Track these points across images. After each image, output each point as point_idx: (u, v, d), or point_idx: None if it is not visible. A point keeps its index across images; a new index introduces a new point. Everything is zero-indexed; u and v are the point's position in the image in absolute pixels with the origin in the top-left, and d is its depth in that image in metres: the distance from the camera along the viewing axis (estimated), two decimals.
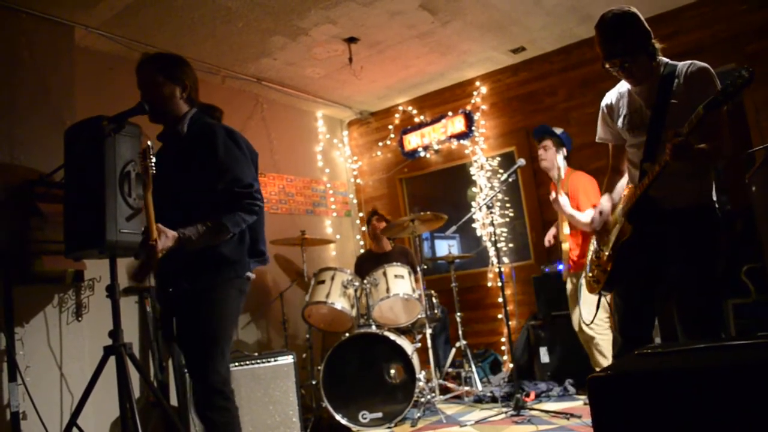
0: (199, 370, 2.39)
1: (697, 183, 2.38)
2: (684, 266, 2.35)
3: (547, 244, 4.54)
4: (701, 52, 4.49)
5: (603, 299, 2.76)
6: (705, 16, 4.78)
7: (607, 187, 2.70)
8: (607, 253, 2.57)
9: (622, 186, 2.66)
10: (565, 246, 4.16)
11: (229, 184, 2.38)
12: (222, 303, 2.43)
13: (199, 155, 2.43)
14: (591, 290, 2.72)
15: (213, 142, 2.41)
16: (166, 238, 2.25)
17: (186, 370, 2.57)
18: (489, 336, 5.74)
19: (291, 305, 5.23)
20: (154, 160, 2.28)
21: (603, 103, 2.64)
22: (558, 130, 4.36)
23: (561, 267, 4.35)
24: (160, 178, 2.35)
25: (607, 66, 2.37)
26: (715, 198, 2.40)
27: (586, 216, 3.83)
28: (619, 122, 2.53)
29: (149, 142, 2.26)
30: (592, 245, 2.77)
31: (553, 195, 4.06)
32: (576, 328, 4.20)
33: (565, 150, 4.30)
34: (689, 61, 2.37)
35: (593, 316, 3.42)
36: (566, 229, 4.16)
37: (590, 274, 2.72)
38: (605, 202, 2.62)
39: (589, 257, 2.77)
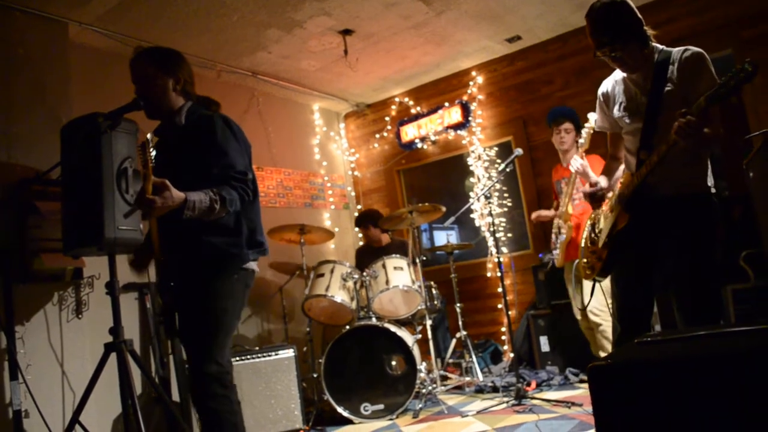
0: (197, 359, 2.39)
1: (693, 169, 2.38)
2: (682, 253, 2.35)
3: (533, 217, 4.50)
4: (696, 38, 4.47)
5: (606, 283, 2.74)
6: (700, 2, 4.75)
7: (605, 173, 2.70)
8: (602, 241, 2.58)
9: (621, 172, 2.66)
10: (569, 223, 4.11)
11: (224, 168, 2.37)
12: (226, 295, 2.43)
13: (197, 144, 2.42)
14: (585, 277, 2.73)
15: (211, 129, 2.42)
16: (171, 197, 2.17)
17: (187, 365, 2.56)
18: (489, 326, 5.76)
19: (291, 299, 5.24)
20: (153, 153, 2.26)
21: (599, 92, 2.64)
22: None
23: (555, 253, 4.29)
24: (159, 171, 2.34)
25: (598, 54, 2.38)
26: (711, 184, 2.40)
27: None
28: (615, 110, 2.53)
29: (148, 135, 2.23)
30: (585, 232, 2.77)
31: (576, 161, 3.76)
32: (578, 316, 4.20)
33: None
34: (683, 47, 2.37)
35: (587, 302, 3.44)
36: (571, 209, 4.11)
37: (584, 260, 2.72)
38: (603, 181, 2.63)
39: (583, 243, 2.77)
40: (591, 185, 2.63)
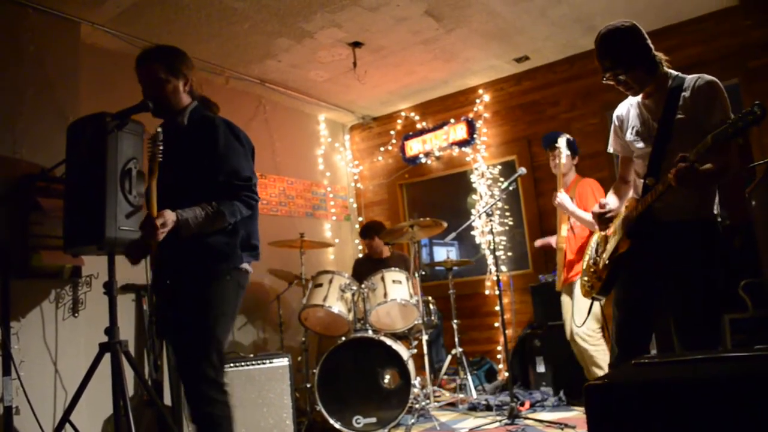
0: (193, 361, 2.36)
1: (699, 196, 2.37)
2: (682, 280, 2.34)
3: (537, 244, 4.50)
4: (702, 66, 4.49)
5: (595, 309, 2.73)
6: (708, 30, 4.79)
7: (613, 192, 2.70)
8: (603, 262, 2.58)
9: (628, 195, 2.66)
10: (562, 246, 4.13)
11: (228, 176, 2.38)
12: (220, 295, 2.41)
13: (199, 147, 2.42)
14: (585, 294, 2.73)
15: (213, 134, 2.42)
16: (170, 219, 2.26)
17: (178, 366, 2.53)
18: (485, 344, 5.73)
19: (288, 308, 5.22)
20: (162, 147, 2.28)
21: (615, 114, 2.65)
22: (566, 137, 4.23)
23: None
24: (160, 170, 2.34)
25: (606, 77, 2.41)
26: (716, 211, 2.40)
27: (589, 215, 3.76)
28: (628, 133, 2.54)
29: (159, 129, 2.25)
30: (589, 252, 2.77)
31: (558, 197, 3.92)
32: (569, 338, 4.18)
33: (576, 158, 4.19)
34: (697, 75, 2.37)
35: (584, 321, 3.43)
36: (564, 232, 4.13)
37: (585, 278, 2.74)
38: (611, 197, 2.62)
39: (585, 263, 2.78)
40: (600, 206, 2.61)
